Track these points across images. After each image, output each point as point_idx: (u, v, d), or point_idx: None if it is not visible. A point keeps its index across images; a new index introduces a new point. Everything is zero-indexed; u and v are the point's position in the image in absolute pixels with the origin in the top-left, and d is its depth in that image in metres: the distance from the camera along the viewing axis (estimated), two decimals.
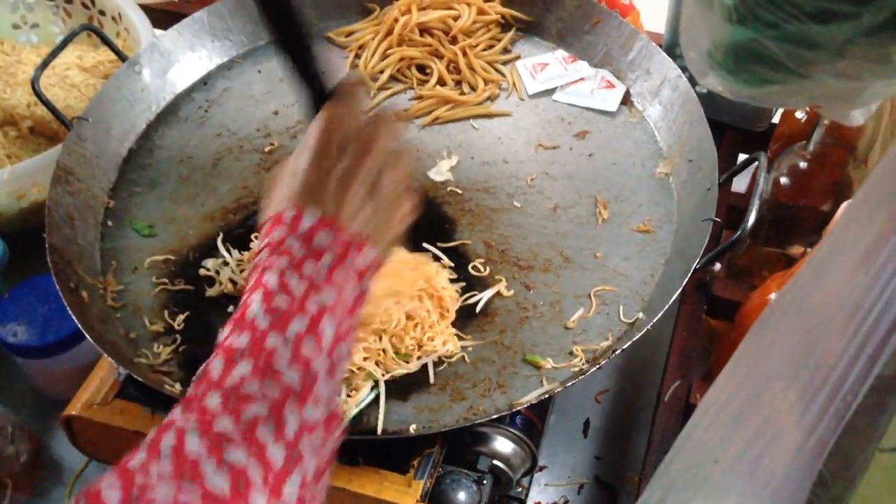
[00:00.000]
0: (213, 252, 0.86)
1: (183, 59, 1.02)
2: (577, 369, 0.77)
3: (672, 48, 1.04)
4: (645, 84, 1.00)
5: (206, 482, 0.44)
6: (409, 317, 0.78)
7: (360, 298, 0.56)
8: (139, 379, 0.74)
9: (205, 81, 1.04)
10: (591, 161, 0.96)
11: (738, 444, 0.50)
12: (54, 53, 0.94)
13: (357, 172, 0.58)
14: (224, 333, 0.52)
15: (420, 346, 0.77)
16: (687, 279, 0.78)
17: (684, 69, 0.99)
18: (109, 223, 0.90)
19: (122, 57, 1.00)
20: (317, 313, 0.53)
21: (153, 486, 0.44)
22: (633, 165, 0.95)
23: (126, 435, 0.77)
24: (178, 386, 0.76)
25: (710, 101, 0.95)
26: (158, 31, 1.08)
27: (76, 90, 1.09)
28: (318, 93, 0.62)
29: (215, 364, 0.50)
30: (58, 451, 0.89)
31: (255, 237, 0.85)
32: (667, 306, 0.77)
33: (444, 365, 0.78)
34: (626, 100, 1.01)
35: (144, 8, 1.14)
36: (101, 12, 1.15)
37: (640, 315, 0.81)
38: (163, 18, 1.17)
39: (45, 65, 0.93)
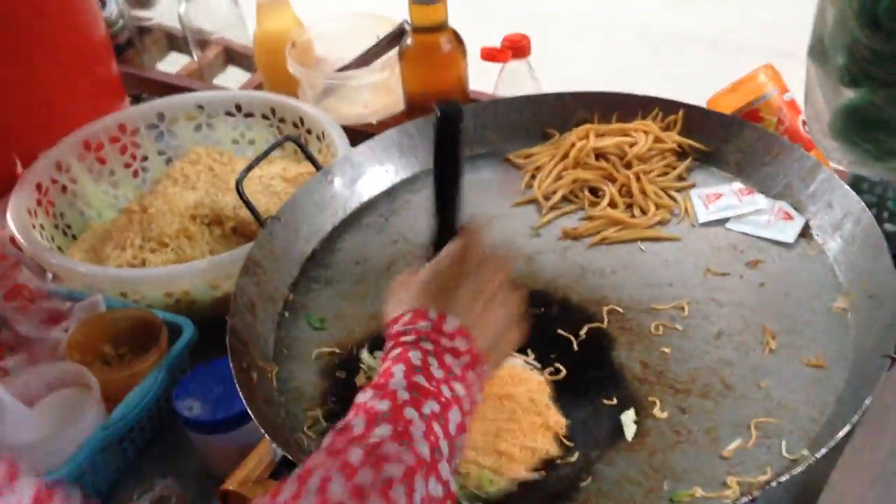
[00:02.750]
0: (378, 345, 0.90)
1: (371, 171, 1.11)
2: (729, 501, 0.73)
3: (858, 182, 1.00)
4: (826, 217, 0.97)
5: None
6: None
7: (476, 405, 0.62)
8: (293, 461, 0.77)
9: (389, 193, 1.11)
10: (762, 290, 0.93)
11: None
12: (259, 159, 1.05)
13: (487, 293, 0.67)
14: (364, 396, 0.56)
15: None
16: (859, 418, 0.73)
17: (870, 205, 0.96)
18: (286, 314, 0.96)
19: (318, 167, 1.10)
20: (448, 401, 0.59)
21: None
22: (807, 298, 0.91)
23: None
24: None
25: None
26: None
27: (276, 197, 1.20)
28: (451, 223, 0.68)
29: (357, 422, 0.55)
30: None
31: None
32: (833, 443, 0.72)
33: (588, 480, 0.76)
34: (805, 232, 0.98)
35: (346, 129, 1.25)
36: (308, 131, 1.27)
37: (805, 452, 0.76)
38: (361, 139, 1.27)
39: (249, 168, 1.04)
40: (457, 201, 0.72)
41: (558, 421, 0.81)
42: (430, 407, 0.57)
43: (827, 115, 0.38)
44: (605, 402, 0.83)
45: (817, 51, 0.36)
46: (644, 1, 3.00)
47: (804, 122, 1.10)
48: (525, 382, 0.83)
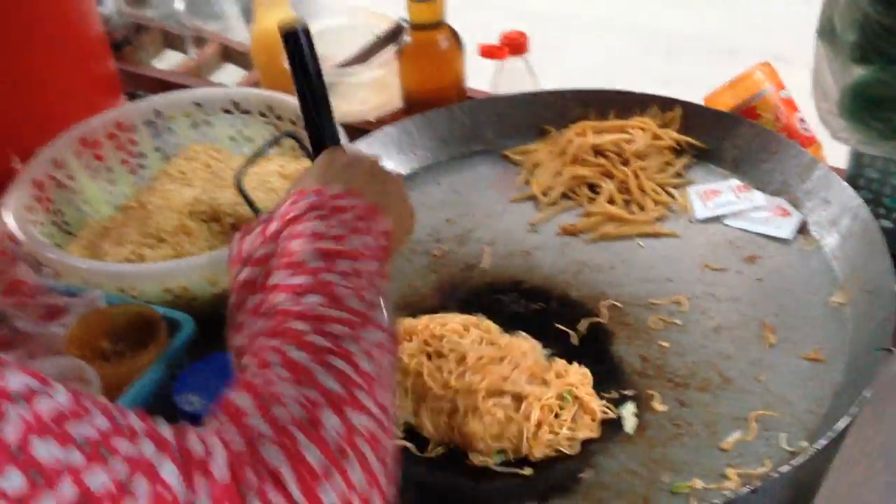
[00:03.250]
0: None
1: None
2: (729, 492, 0.73)
3: (855, 178, 1.01)
4: (823, 213, 0.98)
5: (321, 383, 0.50)
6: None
7: (386, 253, 0.64)
8: None
9: None
10: (760, 285, 0.93)
11: None
12: (258, 154, 1.04)
13: (364, 169, 0.69)
14: (277, 277, 0.58)
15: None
16: (858, 411, 0.74)
17: (867, 201, 0.97)
18: None
19: None
20: (358, 253, 0.60)
21: (278, 389, 0.49)
22: (805, 293, 0.92)
23: None
24: None
25: (893, 237, 0.92)
26: None
27: (274, 194, 1.19)
28: (325, 135, 0.76)
29: (282, 299, 0.56)
30: None
31: None
32: (833, 435, 0.72)
33: (589, 472, 0.77)
34: (802, 228, 0.98)
35: (345, 126, 1.25)
36: None
37: (804, 444, 0.76)
38: (359, 136, 1.27)
39: (248, 163, 1.04)
40: (327, 114, 0.77)
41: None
42: (344, 265, 0.58)
43: (835, 94, 0.38)
44: (604, 395, 0.83)
45: (827, 31, 0.37)
46: (639, 2, 3.02)
47: (801, 119, 1.11)
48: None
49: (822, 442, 0.72)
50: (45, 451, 0.38)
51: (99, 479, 0.39)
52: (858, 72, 0.35)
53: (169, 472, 0.42)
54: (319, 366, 0.51)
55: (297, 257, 0.59)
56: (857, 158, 1.01)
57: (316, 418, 0.48)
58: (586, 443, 0.80)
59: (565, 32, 2.69)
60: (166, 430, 0.45)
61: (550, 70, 1.32)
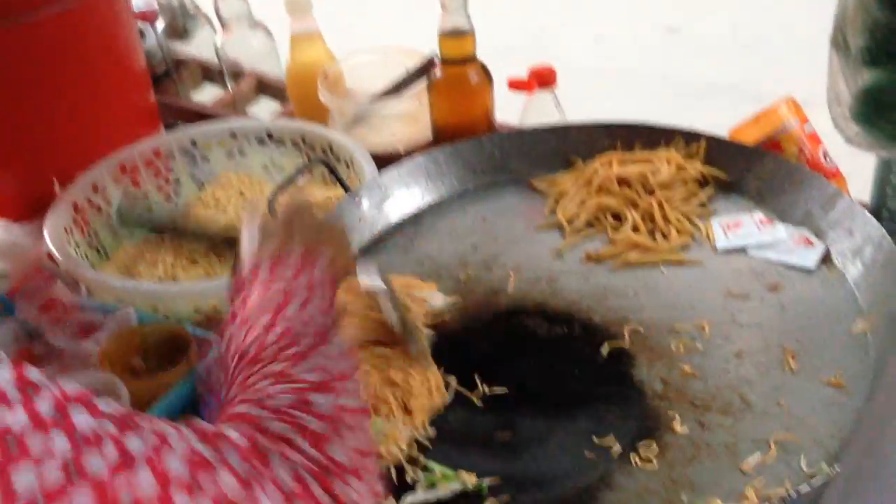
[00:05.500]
0: None
1: (398, 194, 1.13)
2: None
3: (878, 210, 1.01)
4: (846, 243, 0.98)
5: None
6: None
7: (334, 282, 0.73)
8: None
9: (416, 216, 1.13)
10: (783, 313, 0.93)
11: None
12: (290, 179, 1.08)
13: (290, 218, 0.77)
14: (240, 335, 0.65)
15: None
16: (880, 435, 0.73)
17: (891, 232, 0.97)
18: None
19: (346, 189, 1.13)
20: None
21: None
22: (828, 321, 0.92)
23: None
24: None
25: None
26: None
27: None
28: None
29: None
30: None
31: None
32: (853, 458, 0.72)
33: (607, 491, 0.77)
34: (826, 258, 0.99)
35: (375, 157, 1.28)
36: (337, 158, 1.30)
37: (824, 466, 0.76)
38: (388, 165, 1.30)
39: (280, 188, 1.07)
40: None
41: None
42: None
43: (848, 99, 0.39)
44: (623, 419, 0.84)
45: (839, 40, 0.38)
46: (666, 49, 3.05)
47: (825, 154, 1.12)
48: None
49: (843, 464, 0.72)
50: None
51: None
52: (869, 76, 0.37)
53: (191, 439, 0.44)
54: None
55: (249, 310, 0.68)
56: (881, 191, 1.02)
57: (306, 399, 0.54)
58: (606, 463, 0.80)
59: (595, 80, 2.74)
60: (178, 423, 0.48)
61: (577, 108, 1.34)
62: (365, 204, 1.11)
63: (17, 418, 0.39)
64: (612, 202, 1.08)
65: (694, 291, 0.98)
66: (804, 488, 0.71)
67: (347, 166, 1.28)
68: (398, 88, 1.35)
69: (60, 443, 0.39)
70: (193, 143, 1.34)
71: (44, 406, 0.40)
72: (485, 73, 1.25)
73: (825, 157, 1.12)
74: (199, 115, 1.48)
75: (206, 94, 1.61)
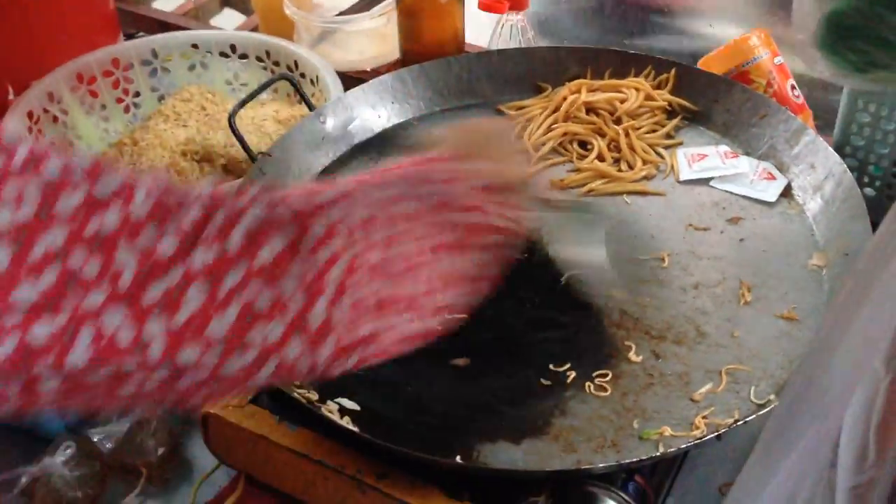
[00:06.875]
0: None
1: (364, 115, 1.11)
2: (694, 439, 0.75)
3: (841, 146, 1.02)
4: (808, 178, 0.99)
5: None
6: None
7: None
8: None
9: (380, 137, 1.12)
10: (741, 246, 0.94)
11: None
12: (253, 95, 1.05)
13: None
14: None
15: None
16: None
17: (852, 168, 0.98)
18: None
19: (311, 107, 1.10)
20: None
21: None
22: (784, 254, 0.93)
23: (252, 437, 0.81)
24: (313, 394, 0.80)
25: (877, 206, 0.93)
26: None
27: (268, 137, 1.20)
28: None
29: None
30: (192, 451, 0.95)
31: None
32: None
33: (562, 416, 0.79)
34: (787, 192, 1.00)
35: (341, 75, 1.25)
36: (303, 74, 1.27)
37: (772, 397, 0.78)
38: (354, 85, 1.27)
39: (242, 103, 1.04)
40: None
41: None
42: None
43: (813, 25, 0.39)
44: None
45: None
46: None
47: (793, 87, 1.12)
48: None
49: (784, 394, 0.73)
50: None
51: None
52: (835, 2, 0.36)
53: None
54: None
55: None
56: (845, 127, 1.02)
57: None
58: (562, 388, 0.81)
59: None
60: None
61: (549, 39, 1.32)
62: (329, 123, 1.09)
63: None
64: (579, 129, 1.08)
65: (655, 221, 0.98)
66: (751, 419, 0.73)
67: (313, 84, 1.26)
68: (367, 5, 1.32)
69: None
70: (154, 54, 1.30)
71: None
72: None
73: (793, 90, 1.12)
74: (160, 24, 1.44)
75: (168, 4, 1.55)
